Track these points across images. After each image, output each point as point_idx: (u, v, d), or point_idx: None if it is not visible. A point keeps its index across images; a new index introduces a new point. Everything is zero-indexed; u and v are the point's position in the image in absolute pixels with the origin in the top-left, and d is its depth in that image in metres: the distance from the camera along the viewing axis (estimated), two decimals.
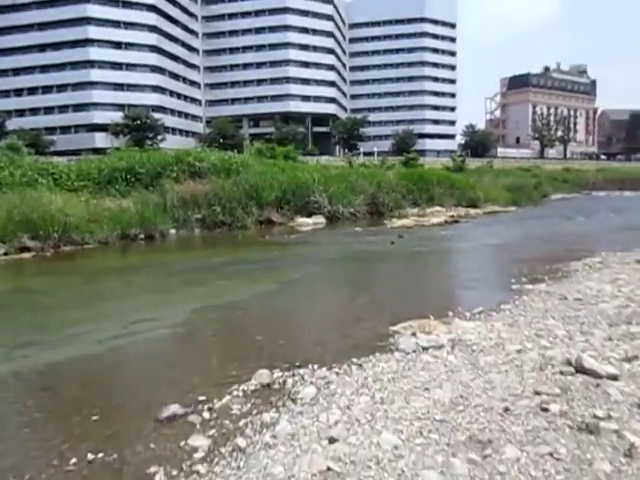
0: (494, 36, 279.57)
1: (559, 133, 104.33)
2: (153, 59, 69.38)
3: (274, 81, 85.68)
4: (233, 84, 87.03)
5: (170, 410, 4.09)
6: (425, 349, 5.37)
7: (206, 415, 4.10)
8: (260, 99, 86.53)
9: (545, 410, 3.76)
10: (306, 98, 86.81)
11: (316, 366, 5.11)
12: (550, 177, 55.22)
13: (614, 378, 4.31)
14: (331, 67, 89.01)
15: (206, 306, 8.05)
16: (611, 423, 3.48)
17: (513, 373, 4.60)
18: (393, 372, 4.77)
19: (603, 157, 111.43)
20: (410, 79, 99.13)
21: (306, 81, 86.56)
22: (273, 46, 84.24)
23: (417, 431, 3.56)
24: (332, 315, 7.20)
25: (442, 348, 5.38)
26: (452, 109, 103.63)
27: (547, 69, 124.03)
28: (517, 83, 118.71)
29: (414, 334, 5.95)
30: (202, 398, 4.40)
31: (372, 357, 5.28)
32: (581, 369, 4.49)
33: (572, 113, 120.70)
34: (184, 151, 25.69)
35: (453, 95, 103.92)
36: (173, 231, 19.71)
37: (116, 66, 66.60)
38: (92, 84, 65.50)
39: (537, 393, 4.07)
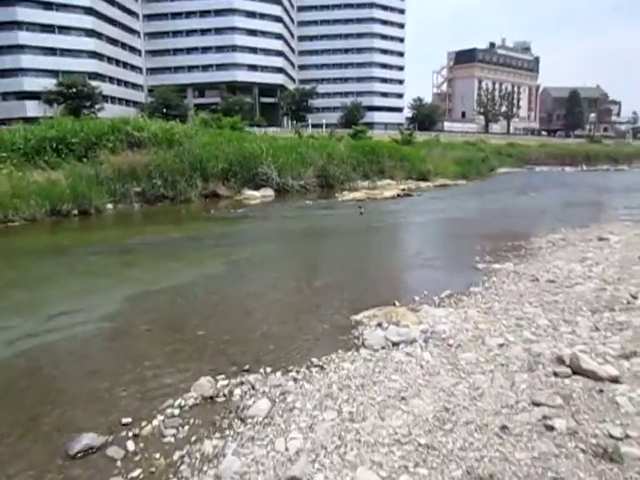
0: (442, 10, 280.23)
1: (503, 108, 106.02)
2: (88, 22, 64.79)
3: (220, 49, 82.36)
4: (176, 51, 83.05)
5: (84, 441, 3.17)
6: (395, 344, 4.65)
7: (130, 446, 3.22)
8: (205, 68, 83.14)
9: (550, 428, 3.10)
10: (253, 68, 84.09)
11: (269, 369, 4.29)
12: (495, 151, 55.87)
13: (616, 380, 3.72)
14: (279, 36, 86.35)
15: (142, 293, 7.05)
16: (633, 447, 2.85)
17: (500, 375, 3.94)
18: (361, 376, 4.02)
19: (544, 133, 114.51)
20: (359, 50, 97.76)
21: (253, 50, 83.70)
22: (218, 12, 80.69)
23: (400, 464, 2.81)
24: (286, 302, 6.36)
25: (414, 343, 4.67)
26: (400, 82, 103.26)
27: (492, 45, 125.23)
28: (463, 58, 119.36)
29: (380, 325, 5.22)
30: (127, 420, 3.50)
31: (335, 355, 4.51)
32: (578, 370, 3.89)
33: (516, 89, 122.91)
34: (122, 119, 23.82)
35: (401, 68, 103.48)
36: (110, 206, 18.23)
37: (47, 29, 61.70)
38: (20, 47, 60.52)
39: (535, 404, 3.41)
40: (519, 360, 4.22)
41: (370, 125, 72.66)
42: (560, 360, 4.16)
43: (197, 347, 4.92)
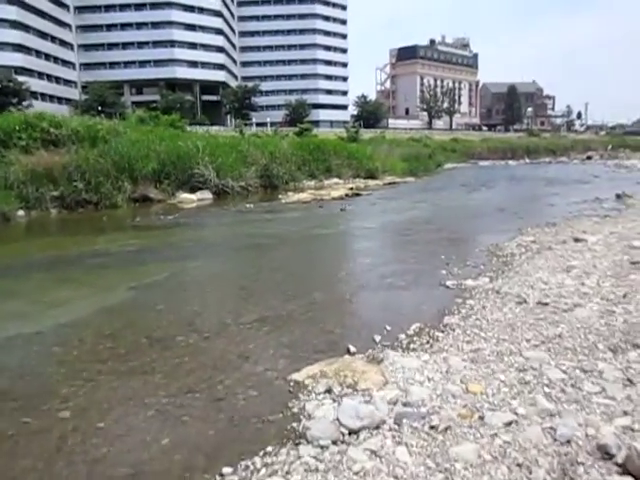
0: (383, 7, 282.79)
1: (445, 105, 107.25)
2: (12, 12, 60.16)
3: (157, 44, 79.18)
4: (110, 46, 79.04)
5: None
6: (354, 433, 3.05)
7: None
8: (142, 64, 79.57)
9: None
10: (193, 64, 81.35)
11: None
12: (440, 147, 55.70)
13: None
14: (219, 31, 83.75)
15: (9, 338, 5.17)
16: None
17: None
18: None
19: (485, 128, 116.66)
20: (302, 47, 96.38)
21: (193, 45, 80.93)
22: (154, 5, 77.36)
23: None
24: (199, 353, 4.63)
25: (382, 428, 3.09)
26: (344, 79, 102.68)
27: (433, 42, 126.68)
28: (405, 55, 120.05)
29: (330, 391, 3.63)
30: None
31: (258, 461, 2.87)
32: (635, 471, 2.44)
33: (457, 85, 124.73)
34: (36, 114, 21.23)
35: (345, 65, 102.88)
36: (22, 213, 15.90)
37: None
38: None
39: None
40: (542, 455, 2.72)
41: (316, 123, 71.61)
42: (604, 452, 2.70)
43: (50, 451, 3.15)
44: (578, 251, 7.89)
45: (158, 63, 79.35)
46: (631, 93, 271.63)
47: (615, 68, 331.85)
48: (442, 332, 4.77)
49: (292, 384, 3.82)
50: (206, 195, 20.83)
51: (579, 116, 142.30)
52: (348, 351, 4.42)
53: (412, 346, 4.49)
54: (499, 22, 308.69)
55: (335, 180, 27.21)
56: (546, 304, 5.28)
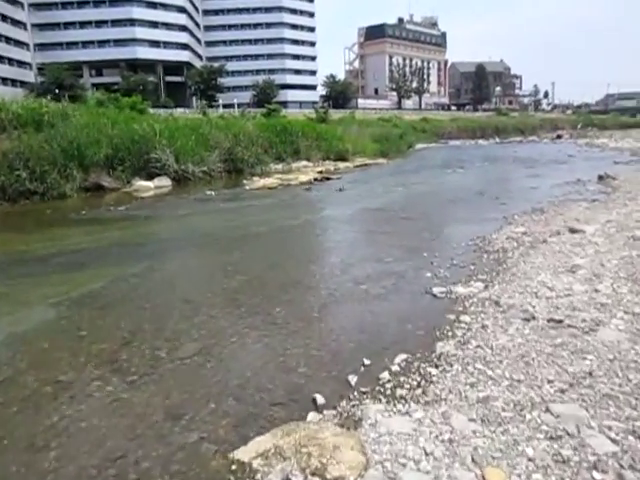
0: None
1: (414, 84, 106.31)
2: None
3: (116, 23, 75.64)
4: (67, 25, 75.11)
5: None
6: None
7: None
8: (101, 44, 76.09)
9: None
10: (155, 44, 78.18)
11: None
12: (410, 127, 54.78)
13: None
14: (181, 9, 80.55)
15: None
16: None
17: None
18: None
19: (454, 108, 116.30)
20: (268, 25, 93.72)
21: (154, 24, 77.69)
22: None
23: None
24: (111, 412, 3.40)
25: None
26: (313, 59, 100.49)
27: (401, 20, 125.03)
28: (374, 34, 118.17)
29: None
30: None
31: None
32: None
33: (425, 65, 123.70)
34: None
35: (313, 44, 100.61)
36: None
37: None
38: None
39: None
40: None
41: (284, 104, 69.92)
42: None
43: None
44: (577, 245, 6.92)
45: (118, 43, 76.06)
46: (595, 73, 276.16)
47: (579, 48, 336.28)
48: (436, 367, 3.69)
49: (234, 468, 2.68)
50: (164, 182, 19.35)
51: (546, 95, 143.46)
52: (314, 403, 3.30)
53: (399, 392, 3.38)
54: (466, 1, 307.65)
55: (304, 163, 25.95)
56: (560, 321, 4.25)
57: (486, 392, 3.22)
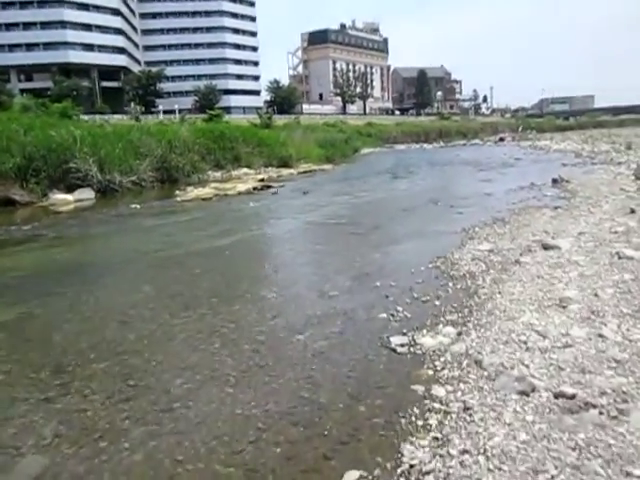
0: None
1: (358, 89, 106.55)
2: None
3: (46, 25, 71.56)
4: None
5: None
6: None
7: None
8: (30, 47, 71.85)
9: None
10: (89, 47, 74.74)
11: None
12: (356, 132, 54.32)
13: None
14: (116, 11, 77.23)
15: None
16: None
17: None
18: None
19: (397, 112, 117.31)
20: (209, 30, 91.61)
21: (87, 27, 74.11)
22: None
23: None
24: None
25: None
26: (255, 64, 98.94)
27: (343, 26, 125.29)
28: (317, 39, 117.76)
29: None
30: None
31: None
32: None
33: (369, 70, 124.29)
34: None
35: (255, 49, 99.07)
36: None
37: None
38: None
39: None
40: None
41: (228, 109, 68.21)
42: None
43: None
44: (557, 265, 5.78)
45: (48, 46, 72.15)
46: (530, 78, 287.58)
47: (515, 54, 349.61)
48: None
49: None
50: (87, 194, 17.36)
51: (485, 100, 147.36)
52: None
53: None
54: (405, 7, 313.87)
55: (245, 170, 24.39)
56: (572, 396, 2.99)
57: None
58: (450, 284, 5.54)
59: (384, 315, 4.74)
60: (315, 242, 8.93)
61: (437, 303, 4.97)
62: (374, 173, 22.79)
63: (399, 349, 3.99)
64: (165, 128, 24.29)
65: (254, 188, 17.21)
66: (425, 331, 4.27)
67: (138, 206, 14.45)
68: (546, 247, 6.61)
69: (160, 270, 7.35)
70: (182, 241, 9.21)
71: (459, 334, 4.14)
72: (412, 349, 3.98)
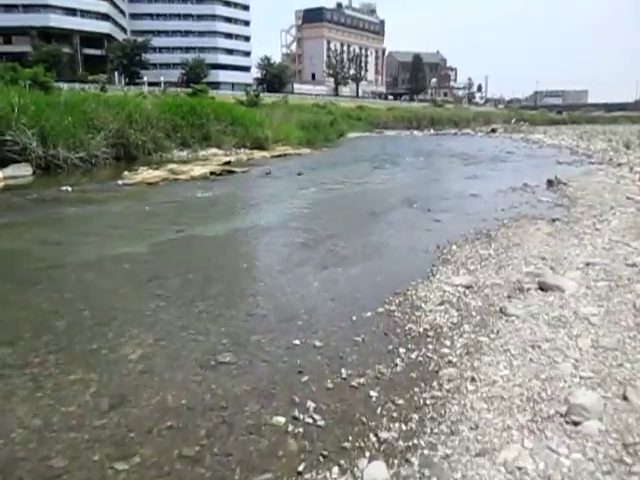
0: None
1: (352, 71, 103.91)
2: None
3: None
4: None
5: None
6: None
7: None
8: (9, 8, 68.26)
9: None
10: (71, 12, 71.16)
11: None
12: (345, 114, 52.28)
13: None
14: None
15: None
16: None
17: None
18: None
19: (390, 97, 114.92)
20: (199, 0, 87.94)
21: None
22: None
23: None
24: None
25: None
26: (247, 38, 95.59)
27: (340, 5, 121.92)
28: (312, 17, 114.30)
29: None
30: None
31: None
32: None
33: (363, 52, 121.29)
34: None
35: (247, 23, 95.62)
36: None
37: None
38: None
39: None
40: None
41: (216, 85, 65.55)
42: None
43: None
44: (559, 325, 3.97)
45: (28, 8, 68.63)
46: (525, 70, 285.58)
47: (511, 46, 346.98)
48: None
49: None
50: (22, 171, 15.28)
51: (479, 89, 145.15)
52: None
53: None
54: None
55: (214, 150, 22.33)
56: None
57: None
58: (401, 351, 3.68)
59: (281, 419, 2.87)
60: (232, 258, 6.84)
61: (372, 394, 3.11)
62: (354, 161, 20.83)
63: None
64: (125, 100, 22.01)
65: (211, 173, 15.15)
66: (376, 462, 2.42)
67: (69, 189, 12.43)
68: (544, 287, 4.79)
69: (76, 287, 5.36)
70: (102, 240, 7.26)
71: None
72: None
